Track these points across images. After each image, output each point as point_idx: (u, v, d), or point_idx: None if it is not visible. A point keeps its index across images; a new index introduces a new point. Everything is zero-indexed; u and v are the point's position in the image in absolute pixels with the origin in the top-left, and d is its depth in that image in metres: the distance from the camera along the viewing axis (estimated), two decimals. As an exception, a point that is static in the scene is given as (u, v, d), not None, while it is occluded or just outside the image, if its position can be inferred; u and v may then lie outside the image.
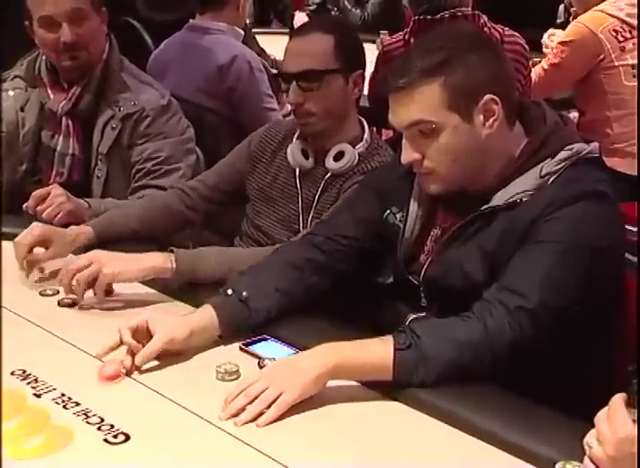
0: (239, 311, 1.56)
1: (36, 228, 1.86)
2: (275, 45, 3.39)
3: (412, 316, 1.60)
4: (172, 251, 1.75)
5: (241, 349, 1.53)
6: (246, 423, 1.31)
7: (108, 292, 1.74)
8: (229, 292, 1.58)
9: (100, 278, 1.68)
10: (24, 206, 2.08)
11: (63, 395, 1.39)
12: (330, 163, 1.93)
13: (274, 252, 1.72)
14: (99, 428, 1.30)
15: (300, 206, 1.96)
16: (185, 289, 1.77)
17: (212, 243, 1.95)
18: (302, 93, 1.89)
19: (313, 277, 1.64)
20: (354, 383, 1.41)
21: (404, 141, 1.51)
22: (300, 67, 1.88)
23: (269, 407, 1.32)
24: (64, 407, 1.36)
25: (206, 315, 1.54)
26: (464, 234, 1.52)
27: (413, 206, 1.61)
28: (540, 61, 3.15)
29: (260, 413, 1.32)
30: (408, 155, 1.51)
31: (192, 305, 1.74)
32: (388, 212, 1.64)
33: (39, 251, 1.86)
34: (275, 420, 1.32)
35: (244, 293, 1.56)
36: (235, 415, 1.33)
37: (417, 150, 1.50)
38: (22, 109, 2.33)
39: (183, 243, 2.12)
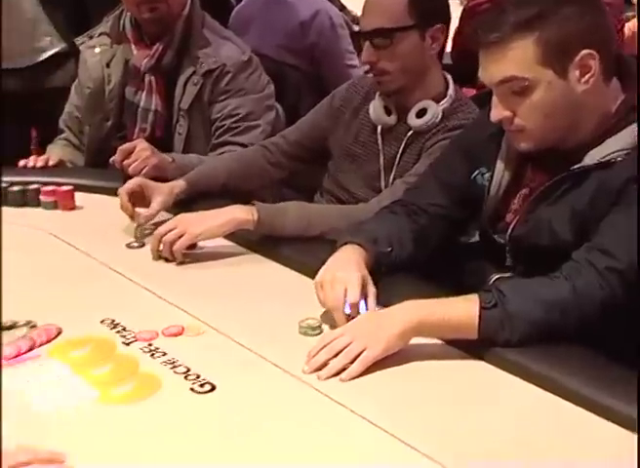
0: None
1: (136, 179, 1.95)
2: (356, 2, 3.35)
3: (496, 276, 1.57)
4: (253, 204, 1.77)
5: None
6: (329, 378, 1.32)
7: (192, 246, 1.78)
8: None
9: (183, 239, 1.73)
10: (111, 160, 2.12)
11: (150, 345, 1.43)
12: (412, 120, 1.90)
13: (374, 219, 1.69)
14: (185, 377, 1.33)
15: (381, 163, 1.94)
16: (265, 242, 1.79)
17: (290, 200, 1.95)
18: (375, 51, 1.86)
19: (410, 247, 1.63)
20: (438, 341, 1.40)
21: (494, 98, 1.48)
22: (371, 26, 1.86)
23: (353, 362, 1.33)
24: (152, 356, 1.39)
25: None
26: (554, 193, 1.49)
27: (500, 164, 1.57)
28: (633, 16, 3.03)
29: (344, 368, 1.32)
30: (498, 112, 1.47)
31: (272, 259, 1.77)
32: (477, 172, 1.61)
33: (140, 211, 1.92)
34: (358, 376, 1.32)
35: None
36: (318, 370, 1.33)
37: (507, 107, 1.46)
38: (108, 65, 2.37)
39: (263, 200, 2.14)
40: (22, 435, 1.14)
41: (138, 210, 1.92)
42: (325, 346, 1.35)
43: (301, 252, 1.74)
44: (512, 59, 1.42)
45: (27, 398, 1.26)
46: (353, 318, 1.43)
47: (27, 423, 1.20)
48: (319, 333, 1.45)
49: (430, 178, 1.71)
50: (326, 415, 1.24)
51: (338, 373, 1.32)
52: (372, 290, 1.49)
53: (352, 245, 1.56)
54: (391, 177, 1.92)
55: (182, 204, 1.94)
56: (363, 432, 1.19)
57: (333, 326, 1.45)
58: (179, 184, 1.97)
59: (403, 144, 1.91)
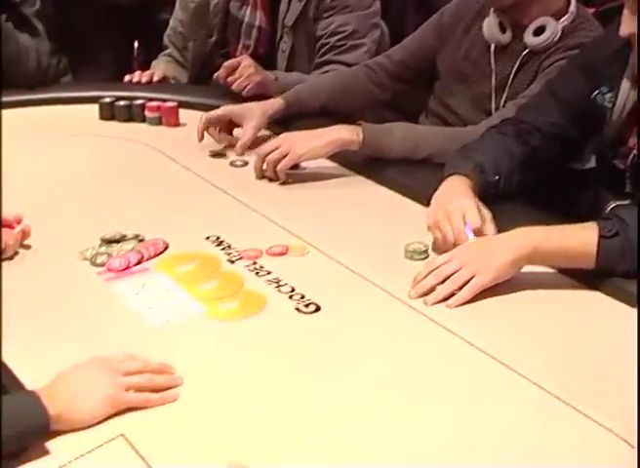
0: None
1: (226, 106, 1.92)
2: None
3: (613, 203, 1.50)
4: (359, 124, 1.72)
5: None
6: (435, 303, 1.29)
7: (295, 166, 1.76)
8: None
9: (286, 159, 1.71)
10: (215, 76, 2.10)
11: (255, 263, 1.42)
12: (529, 38, 1.80)
13: (481, 141, 1.63)
14: (290, 297, 1.32)
15: (493, 84, 1.86)
16: (370, 164, 1.75)
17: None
18: None
19: (519, 173, 1.57)
20: (550, 270, 1.35)
21: (625, 12, 1.37)
22: None
23: (461, 288, 1.29)
24: (257, 274, 1.39)
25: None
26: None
27: (625, 83, 1.47)
28: None
29: (451, 294, 1.29)
30: (629, 27, 1.37)
31: (376, 181, 1.73)
32: (597, 92, 1.51)
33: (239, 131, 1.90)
34: (466, 303, 1.29)
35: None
36: (425, 295, 1.31)
37: (640, 21, 1.36)
38: None
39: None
40: (133, 346, 1.16)
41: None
42: (432, 271, 1.32)
43: (407, 174, 1.70)
44: None
45: (137, 310, 1.28)
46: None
47: (137, 334, 1.23)
48: (425, 258, 1.42)
49: (545, 96, 1.63)
50: (432, 340, 1.22)
51: (444, 300, 1.29)
52: (487, 214, 1.44)
53: (459, 175, 1.50)
54: (503, 99, 1.83)
55: (281, 122, 1.91)
56: (470, 358, 1.17)
57: (439, 251, 1.42)
58: (274, 104, 1.93)
59: (517, 64, 1.81)
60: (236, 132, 1.93)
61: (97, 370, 1.06)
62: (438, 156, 1.69)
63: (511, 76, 1.82)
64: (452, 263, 1.32)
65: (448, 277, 1.30)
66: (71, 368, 1.06)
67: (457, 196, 1.45)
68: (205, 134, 1.90)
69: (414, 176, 1.67)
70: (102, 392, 1.03)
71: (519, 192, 1.57)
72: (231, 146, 1.90)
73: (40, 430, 0.98)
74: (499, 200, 1.52)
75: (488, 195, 1.50)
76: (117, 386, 1.05)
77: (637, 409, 1.01)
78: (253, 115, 1.89)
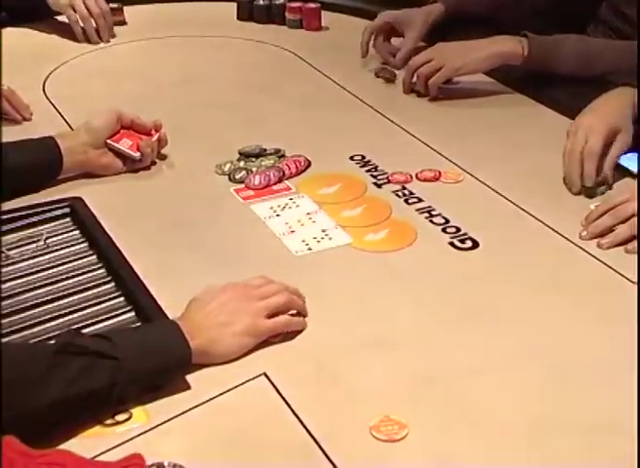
0: None
1: (385, 14, 1.76)
2: None
3: None
4: (525, 35, 1.54)
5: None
6: (612, 247, 1.14)
7: (448, 80, 1.60)
8: None
9: (440, 72, 1.56)
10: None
11: (404, 188, 1.30)
12: None
13: None
14: (443, 230, 1.19)
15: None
16: (533, 81, 1.58)
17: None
18: None
19: None
20: None
21: None
22: None
23: (644, 233, 1.13)
24: (406, 201, 1.26)
25: None
26: None
27: None
28: None
29: (632, 238, 1.13)
30: None
31: (540, 102, 1.55)
32: None
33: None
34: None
35: None
36: (599, 236, 1.15)
37: None
38: None
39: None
40: (272, 272, 1.06)
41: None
42: (609, 210, 1.16)
43: (577, 95, 1.50)
44: None
45: (277, 233, 1.19)
46: None
47: (277, 260, 1.13)
48: (602, 193, 1.26)
49: None
50: (604, 288, 1.07)
51: (623, 243, 1.14)
52: (623, 139, 1.27)
53: (629, 87, 1.32)
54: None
55: (438, 32, 1.74)
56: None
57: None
58: (434, 10, 1.76)
59: None
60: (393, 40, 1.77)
61: (233, 298, 0.97)
62: (614, 74, 1.49)
63: None
64: (634, 202, 1.15)
65: (629, 218, 1.14)
66: (205, 294, 0.98)
67: (611, 113, 1.29)
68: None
69: (584, 97, 1.47)
70: (243, 322, 0.95)
71: None
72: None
73: (184, 362, 0.90)
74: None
75: None
76: (256, 313, 0.96)
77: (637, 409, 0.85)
78: (414, 23, 1.73)
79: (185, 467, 0.76)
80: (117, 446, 0.82)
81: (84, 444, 0.82)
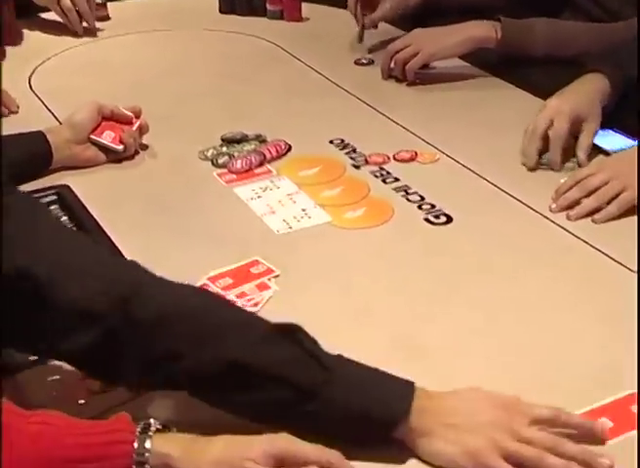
0: None
1: None
2: None
3: None
4: (498, 19, 1.58)
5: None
6: (579, 218, 1.19)
7: (425, 65, 1.64)
8: None
9: (417, 58, 1.60)
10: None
11: (382, 169, 1.34)
12: None
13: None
14: (419, 206, 1.24)
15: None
16: (506, 64, 1.62)
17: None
18: None
19: None
20: None
21: None
22: None
23: (609, 203, 1.18)
24: (384, 181, 1.31)
25: None
26: None
27: None
28: None
29: (598, 209, 1.18)
30: None
31: (514, 83, 1.60)
32: None
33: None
34: (612, 219, 1.17)
35: None
36: (568, 208, 1.20)
37: None
38: None
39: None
40: (256, 251, 1.10)
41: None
42: (577, 183, 1.21)
43: (549, 76, 1.55)
44: None
45: (259, 214, 1.23)
46: None
47: (260, 240, 1.17)
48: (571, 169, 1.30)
49: None
50: (574, 258, 1.12)
51: (590, 214, 1.18)
52: (591, 126, 1.31)
53: (596, 74, 1.36)
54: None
55: (418, 18, 1.78)
56: (616, 277, 1.07)
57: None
58: None
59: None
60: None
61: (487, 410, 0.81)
62: (584, 56, 1.53)
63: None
64: (600, 175, 1.20)
65: (594, 191, 1.19)
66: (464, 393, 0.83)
67: (579, 98, 1.33)
68: None
69: (556, 78, 1.52)
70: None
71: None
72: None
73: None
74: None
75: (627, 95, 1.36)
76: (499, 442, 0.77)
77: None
78: None
79: (173, 426, 0.79)
80: (106, 410, 0.85)
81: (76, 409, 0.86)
